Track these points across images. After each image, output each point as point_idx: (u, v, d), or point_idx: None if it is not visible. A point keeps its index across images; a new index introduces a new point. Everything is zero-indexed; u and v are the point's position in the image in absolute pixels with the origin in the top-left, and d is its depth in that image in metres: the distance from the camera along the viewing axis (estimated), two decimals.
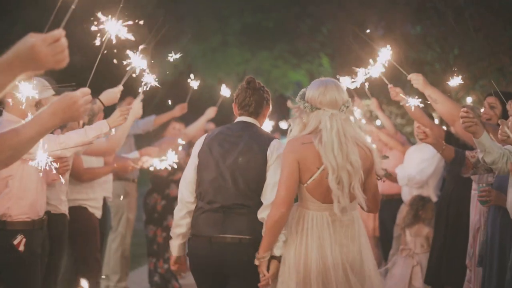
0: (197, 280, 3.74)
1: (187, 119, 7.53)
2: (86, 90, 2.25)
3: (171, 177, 6.98)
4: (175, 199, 6.94)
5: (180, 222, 3.72)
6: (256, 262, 3.45)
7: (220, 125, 4.00)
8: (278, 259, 3.44)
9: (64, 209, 4.67)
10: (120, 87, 4.40)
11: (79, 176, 5.15)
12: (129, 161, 5.58)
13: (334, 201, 3.33)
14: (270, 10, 17.58)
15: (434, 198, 6.12)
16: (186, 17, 17.54)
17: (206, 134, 3.83)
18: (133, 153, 6.03)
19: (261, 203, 3.51)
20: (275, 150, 3.56)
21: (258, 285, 3.46)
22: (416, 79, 4.63)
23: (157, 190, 6.99)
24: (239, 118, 3.78)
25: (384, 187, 7.00)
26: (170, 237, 3.78)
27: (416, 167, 6.15)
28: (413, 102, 4.58)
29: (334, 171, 3.29)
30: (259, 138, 3.64)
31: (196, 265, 3.67)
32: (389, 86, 4.80)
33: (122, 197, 6.65)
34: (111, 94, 4.53)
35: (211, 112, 7.10)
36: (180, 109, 6.86)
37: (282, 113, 17.23)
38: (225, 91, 6.78)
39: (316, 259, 3.34)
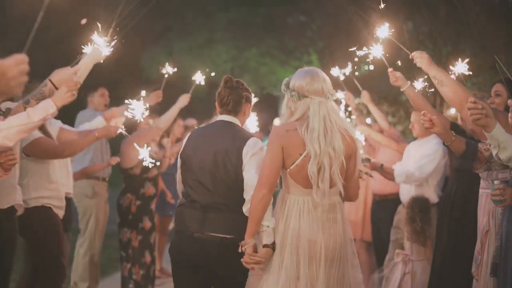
0: (176, 276, 3.82)
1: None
2: (20, 57, 1.81)
3: (145, 175, 6.42)
4: (151, 198, 6.43)
5: None
6: (241, 249, 3.48)
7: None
8: (270, 246, 3.47)
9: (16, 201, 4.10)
10: (76, 68, 3.94)
11: (56, 153, 4.64)
12: (107, 126, 5.15)
13: (314, 186, 3.43)
14: (258, 4, 17.14)
15: (435, 199, 5.62)
16: (171, 12, 17.09)
17: (189, 135, 3.97)
18: (95, 120, 5.45)
19: (240, 202, 3.59)
20: (250, 149, 3.67)
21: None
22: (420, 57, 4.14)
23: (130, 190, 6.42)
24: (219, 117, 3.91)
25: (377, 186, 6.54)
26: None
27: (415, 164, 5.64)
28: (417, 86, 4.18)
29: (316, 157, 3.41)
30: (235, 137, 3.74)
31: (178, 259, 3.77)
32: (389, 69, 4.40)
33: (90, 196, 6.11)
34: (64, 75, 3.99)
35: (184, 99, 6.54)
36: (155, 97, 6.30)
37: (271, 112, 16.79)
38: (198, 77, 6.28)
39: (298, 241, 3.43)
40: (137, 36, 16.98)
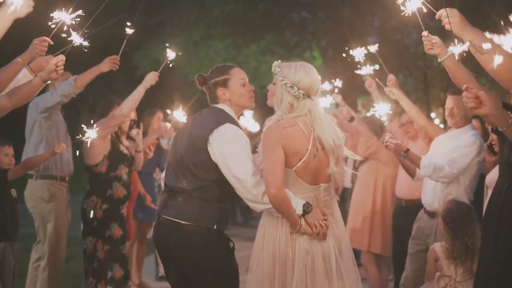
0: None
1: None
2: None
3: (113, 173, 5.41)
4: (121, 201, 5.43)
5: None
6: (300, 231, 3.34)
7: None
8: (308, 210, 3.32)
9: None
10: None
11: None
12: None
13: (319, 182, 3.40)
14: None
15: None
16: (166, 6, 16.25)
17: None
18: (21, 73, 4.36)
19: (205, 190, 3.51)
20: (220, 139, 3.44)
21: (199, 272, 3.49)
22: (451, 16, 3.19)
23: (96, 192, 5.42)
24: None
25: (404, 188, 5.56)
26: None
27: (446, 157, 4.58)
28: (458, 50, 3.24)
29: (333, 151, 3.38)
30: (206, 121, 3.56)
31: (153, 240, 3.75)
32: (424, 33, 3.50)
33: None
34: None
35: (150, 78, 5.51)
36: (109, 63, 5.24)
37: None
38: (170, 54, 5.36)
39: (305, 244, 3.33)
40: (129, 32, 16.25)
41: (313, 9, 15.57)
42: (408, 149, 4.63)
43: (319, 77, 3.48)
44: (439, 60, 3.55)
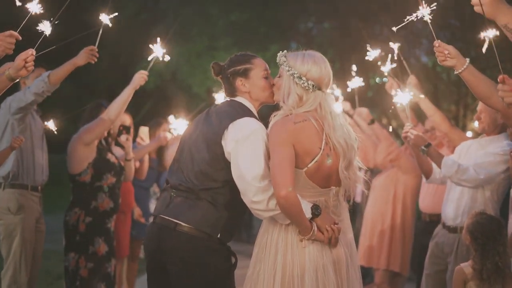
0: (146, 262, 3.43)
1: None
2: None
3: (98, 183, 4.90)
4: (107, 214, 4.93)
5: None
6: (307, 240, 3.04)
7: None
8: (317, 214, 3.03)
9: None
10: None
11: None
12: None
13: (330, 185, 3.12)
14: (262, 7, 15.96)
15: None
16: (167, 15, 15.94)
17: None
18: None
19: (213, 191, 3.20)
20: (236, 133, 3.09)
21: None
22: None
23: (79, 203, 4.92)
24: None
25: (428, 202, 5.15)
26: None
27: (476, 159, 4.06)
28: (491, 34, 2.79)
29: (344, 153, 3.08)
30: (223, 114, 3.23)
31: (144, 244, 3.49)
32: (436, 43, 3.11)
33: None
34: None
35: (138, 78, 4.97)
36: (86, 55, 4.69)
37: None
38: (157, 50, 4.78)
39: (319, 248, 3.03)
40: (132, 42, 15.87)
41: (320, 19, 15.20)
42: (429, 144, 4.12)
43: (330, 69, 3.17)
44: (455, 72, 3.12)
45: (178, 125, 5.84)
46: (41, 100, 4.63)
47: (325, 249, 3.03)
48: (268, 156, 3.06)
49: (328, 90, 3.17)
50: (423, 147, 4.05)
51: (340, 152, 3.07)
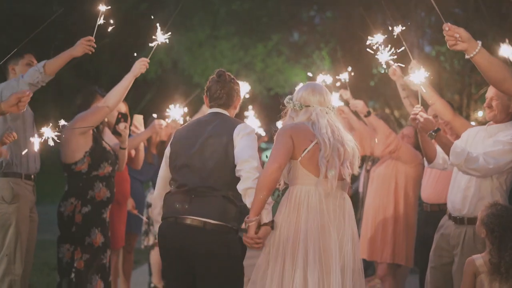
0: (164, 264, 3.86)
1: None
2: None
3: (95, 172, 4.77)
4: (103, 204, 4.81)
5: (158, 218, 3.90)
6: (244, 226, 3.56)
7: None
8: (269, 224, 3.55)
9: None
10: None
11: None
12: None
13: (321, 175, 3.54)
14: None
15: None
16: (167, 5, 15.77)
17: (178, 128, 4.05)
18: None
19: (230, 185, 3.63)
20: (241, 130, 3.70)
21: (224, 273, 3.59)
22: None
23: (75, 193, 4.77)
24: (210, 110, 3.92)
25: (430, 191, 4.97)
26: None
27: (484, 148, 3.91)
28: None
29: (325, 145, 3.56)
30: (226, 123, 3.78)
31: (163, 247, 3.76)
32: (446, 26, 3.08)
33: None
34: None
35: (140, 65, 4.80)
36: (82, 46, 4.52)
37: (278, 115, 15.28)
38: (158, 37, 4.52)
39: (308, 230, 3.49)
40: (132, 32, 15.72)
41: (322, 8, 15.03)
42: (439, 129, 3.87)
43: (325, 90, 3.77)
44: (466, 57, 3.00)
45: (174, 113, 5.62)
46: (35, 90, 4.48)
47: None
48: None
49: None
50: (432, 132, 3.85)
51: (322, 143, 3.56)
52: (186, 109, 5.70)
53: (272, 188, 3.48)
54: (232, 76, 3.90)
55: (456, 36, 2.94)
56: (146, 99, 18.87)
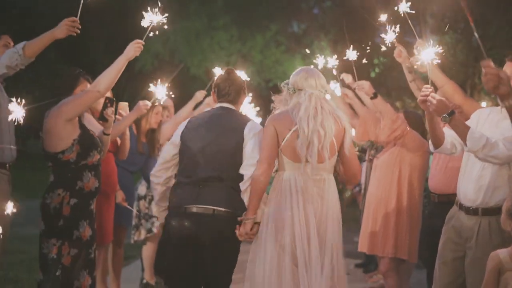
0: (171, 253, 4.08)
1: None
2: None
3: (84, 161, 4.47)
4: (92, 195, 4.55)
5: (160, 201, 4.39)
6: (240, 219, 3.93)
7: None
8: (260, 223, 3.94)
9: None
10: None
11: None
12: None
13: (302, 161, 3.86)
14: None
15: None
16: None
17: (189, 119, 4.39)
18: None
19: (237, 177, 4.00)
20: (252, 129, 4.08)
21: (231, 258, 4.11)
22: None
23: (62, 184, 4.47)
24: (219, 104, 4.27)
25: (437, 180, 4.70)
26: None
27: (503, 132, 3.61)
28: None
29: (304, 133, 3.82)
30: (237, 119, 4.18)
31: (171, 236, 4.06)
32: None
33: None
34: None
35: (134, 47, 4.51)
36: (66, 27, 4.26)
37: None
38: (152, 18, 4.39)
39: (289, 215, 3.83)
40: (128, 22, 15.42)
41: None
42: (453, 111, 3.55)
43: (317, 74, 4.00)
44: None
45: (157, 93, 5.31)
46: (12, 73, 4.20)
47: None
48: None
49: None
50: (445, 115, 3.53)
51: (300, 131, 3.82)
52: (168, 87, 5.39)
53: (265, 188, 3.89)
54: (239, 75, 4.30)
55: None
56: (144, 92, 18.62)
